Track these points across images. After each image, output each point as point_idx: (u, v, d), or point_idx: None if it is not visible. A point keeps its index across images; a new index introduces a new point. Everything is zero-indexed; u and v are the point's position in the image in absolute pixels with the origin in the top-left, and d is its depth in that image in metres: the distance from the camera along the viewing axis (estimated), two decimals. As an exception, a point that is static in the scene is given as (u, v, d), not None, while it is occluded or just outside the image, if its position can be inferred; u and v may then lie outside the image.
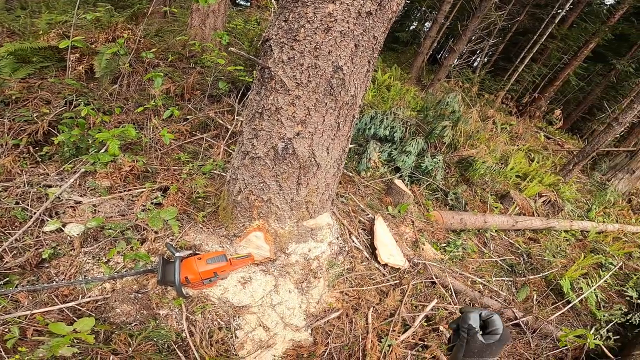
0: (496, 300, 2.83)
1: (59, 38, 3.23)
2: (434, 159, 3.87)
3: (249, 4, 11.99)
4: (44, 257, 1.88)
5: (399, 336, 2.17)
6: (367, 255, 2.60)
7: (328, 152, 1.91)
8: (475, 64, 13.61)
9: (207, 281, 1.81)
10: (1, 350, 1.52)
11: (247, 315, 1.95)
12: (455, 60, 9.09)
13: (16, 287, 1.75)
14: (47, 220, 2.02)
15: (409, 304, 2.42)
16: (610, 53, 12.20)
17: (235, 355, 1.81)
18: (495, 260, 3.49)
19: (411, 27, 15.53)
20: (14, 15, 4.33)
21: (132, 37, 3.34)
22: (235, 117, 3.34)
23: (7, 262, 1.83)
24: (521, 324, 2.68)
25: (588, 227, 4.76)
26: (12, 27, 3.55)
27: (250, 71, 3.49)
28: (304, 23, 1.53)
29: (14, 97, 2.64)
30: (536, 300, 3.14)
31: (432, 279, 2.68)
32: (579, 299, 3.25)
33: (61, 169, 2.37)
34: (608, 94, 13.22)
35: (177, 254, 1.76)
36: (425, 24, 15.00)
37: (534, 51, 11.08)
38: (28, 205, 2.08)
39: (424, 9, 13.53)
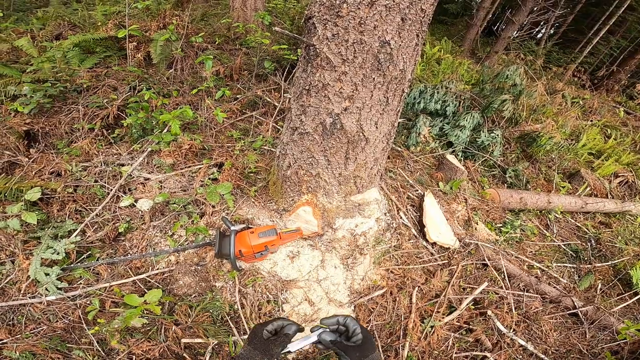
0: (554, 287, 2.63)
1: (116, 28, 3.46)
2: (492, 134, 3.58)
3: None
4: (120, 231, 2.08)
5: (443, 318, 2.12)
6: (415, 233, 2.54)
7: (377, 127, 1.87)
8: (539, 36, 12.16)
9: (258, 254, 1.90)
10: (82, 322, 1.72)
11: (294, 289, 2.02)
12: (515, 32, 8.23)
13: (97, 260, 1.96)
14: (122, 196, 2.23)
15: (456, 286, 2.34)
16: (699, 26, 10.37)
17: None
18: (558, 245, 3.20)
19: (460, -1, 14.31)
20: (71, 8, 4.71)
21: (180, 23, 3.49)
22: (282, 95, 3.38)
23: (89, 235, 2.04)
24: (579, 313, 2.48)
25: (672, 212, 4.14)
26: (72, 20, 3.86)
27: (294, 49, 3.48)
28: None
29: (85, 86, 2.91)
30: (600, 289, 2.86)
31: (484, 260, 2.55)
32: (649, 290, 2.88)
33: (131, 148, 2.61)
34: (698, 69, 11.31)
35: (232, 228, 1.86)
36: (477, -5, 13.78)
37: (611, 23, 9.74)
38: (105, 182, 2.32)
39: (474, -21, 12.36)
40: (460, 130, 3.48)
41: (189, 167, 2.50)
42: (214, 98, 2.88)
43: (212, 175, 2.40)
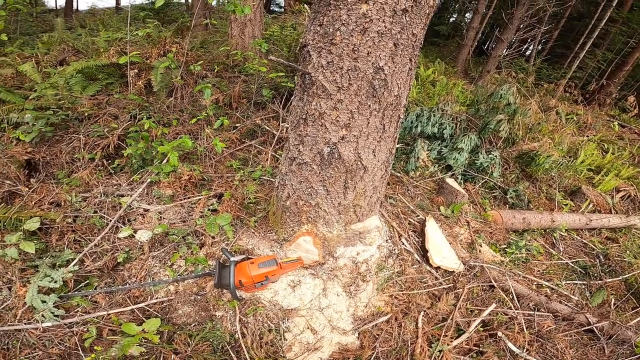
0: (566, 305, 2.56)
1: (118, 55, 3.51)
2: (490, 155, 3.61)
3: (282, 10, 12.28)
4: (119, 261, 2.08)
5: (451, 341, 2.06)
6: (418, 258, 2.52)
7: (374, 155, 1.88)
8: (528, 53, 12.50)
9: (259, 284, 1.88)
10: (79, 348, 1.70)
11: (295, 318, 1.99)
12: (505, 50, 8.49)
13: (95, 288, 1.96)
14: (121, 227, 2.23)
15: (463, 309, 2.29)
16: (682, 34, 10.73)
17: (283, 357, 1.85)
18: (566, 263, 3.15)
19: (451, 20, 14.80)
20: (75, 34, 4.79)
21: (180, 51, 3.55)
22: (280, 123, 3.42)
23: (87, 265, 2.05)
24: (595, 329, 2.41)
25: (677, 224, 4.12)
26: (76, 45, 3.93)
27: (291, 77, 3.54)
28: (339, 26, 1.53)
29: (86, 114, 2.94)
30: (614, 304, 2.80)
31: (491, 282, 2.51)
32: (663, 302, 2.81)
33: (131, 179, 2.62)
34: (687, 78, 11.64)
35: (232, 259, 1.85)
36: (466, 15, 14.26)
37: (594, 36, 10.05)
38: (104, 213, 2.32)
39: (462, -1, 12.82)
40: (459, 153, 3.51)
41: (189, 198, 2.50)
42: (213, 127, 2.91)
43: (211, 206, 2.40)
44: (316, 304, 2.05)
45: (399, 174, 3.46)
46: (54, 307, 1.79)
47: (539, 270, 2.96)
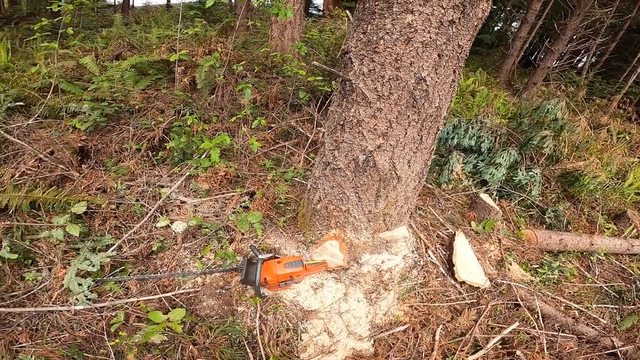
0: (593, 327, 2.46)
1: (168, 52, 3.69)
2: (530, 172, 3.44)
3: (321, 13, 12.35)
4: (153, 249, 2.18)
5: (466, 356, 2.01)
6: (443, 271, 2.47)
7: (409, 165, 1.87)
8: (580, 65, 11.68)
9: (283, 284, 1.93)
10: (104, 333, 1.77)
11: (314, 319, 2.01)
12: (554, 61, 7.97)
13: (129, 275, 2.05)
14: (159, 217, 2.34)
15: (484, 325, 2.23)
16: None
17: (297, 357, 1.87)
18: (600, 286, 3.01)
19: (496, 28, 14.18)
20: (131, 29, 5.07)
21: (224, 50, 3.66)
22: (315, 126, 3.46)
23: (125, 251, 2.15)
24: (618, 353, 2.30)
25: None
26: (131, 41, 4.15)
27: (328, 81, 3.56)
28: (382, 35, 1.53)
29: (136, 107, 3.11)
30: None
31: (517, 301, 2.44)
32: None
33: (171, 171, 2.75)
34: None
35: (260, 256, 1.91)
36: (512, 24, 13.60)
37: None
38: (145, 202, 2.45)
39: (509, 8, 12.21)
40: (496, 168, 3.38)
41: (223, 193, 2.60)
42: (250, 126, 3.00)
43: (243, 203, 2.48)
44: (336, 307, 2.07)
45: (430, 186, 3.40)
46: (88, 290, 1.85)
47: (569, 292, 2.85)
